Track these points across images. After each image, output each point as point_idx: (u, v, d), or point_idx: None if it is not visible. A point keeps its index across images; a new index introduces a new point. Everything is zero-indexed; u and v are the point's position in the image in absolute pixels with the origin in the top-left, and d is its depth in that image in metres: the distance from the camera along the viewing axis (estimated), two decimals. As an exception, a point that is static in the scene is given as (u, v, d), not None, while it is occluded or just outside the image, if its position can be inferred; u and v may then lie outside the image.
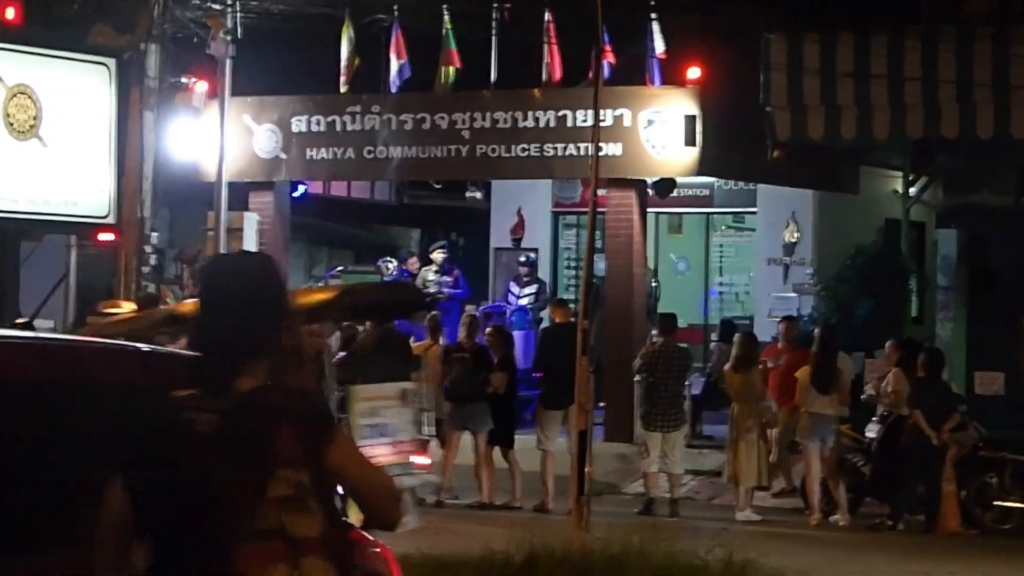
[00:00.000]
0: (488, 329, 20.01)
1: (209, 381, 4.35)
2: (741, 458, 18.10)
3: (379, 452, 16.92)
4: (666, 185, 22.57)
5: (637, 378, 19.08)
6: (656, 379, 18.45)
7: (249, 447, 4.27)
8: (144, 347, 5.77)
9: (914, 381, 17.58)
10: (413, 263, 26.54)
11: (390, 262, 25.90)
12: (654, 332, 19.54)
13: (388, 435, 15.49)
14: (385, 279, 24.94)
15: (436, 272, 25.25)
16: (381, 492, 4.50)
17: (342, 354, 18.10)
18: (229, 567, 4.20)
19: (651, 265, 25.41)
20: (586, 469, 15.23)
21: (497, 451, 18.89)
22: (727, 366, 18.70)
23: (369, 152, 23.53)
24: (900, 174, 26.04)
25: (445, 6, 22.78)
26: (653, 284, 24.99)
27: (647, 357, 18.62)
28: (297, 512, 4.30)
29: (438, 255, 25.63)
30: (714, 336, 24.54)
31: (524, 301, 25.44)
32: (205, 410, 4.32)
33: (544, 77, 22.77)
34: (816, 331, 19.05)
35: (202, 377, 4.38)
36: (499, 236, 27.97)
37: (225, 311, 4.36)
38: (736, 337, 19.38)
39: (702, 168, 22.23)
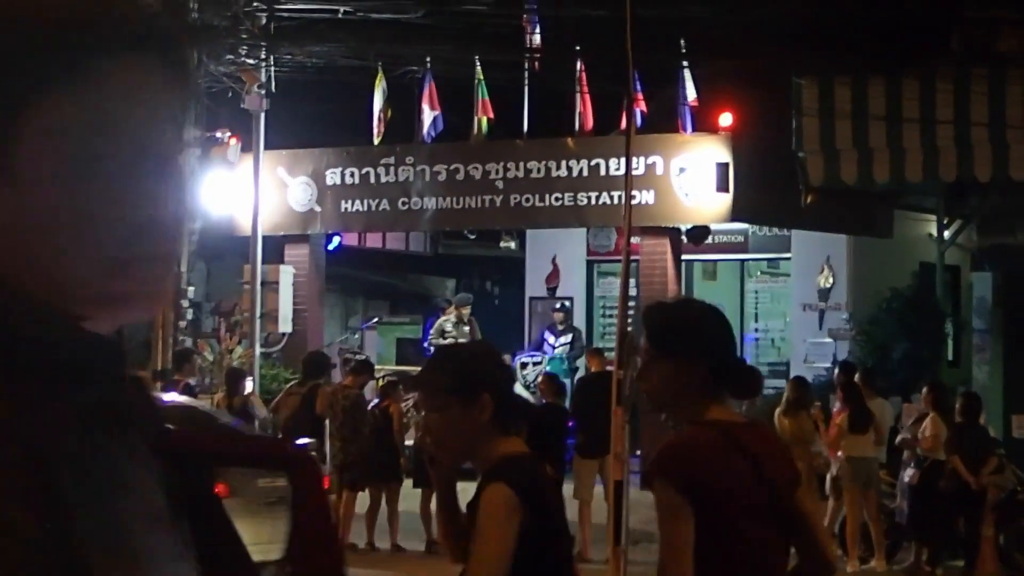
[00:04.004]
0: (540, 378, 20.12)
1: None
2: None
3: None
4: (700, 232, 22.57)
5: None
6: (683, 427, 18.39)
7: None
8: None
9: (952, 425, 17.50)
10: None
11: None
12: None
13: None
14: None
15: (454, 323, 24.96)
16: None
17: (376, 401, 18.17)
18: None
19: None
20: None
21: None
22: (778, 410, 18.52)
23: (403, 203, 23.60)
24: (934, 217, 25.98)
25: (477, 57, 22.90)
26: None
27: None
28: None
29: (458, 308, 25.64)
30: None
31: (560, 351, 25.39)
32: None
33: (577, 126, 22.84)
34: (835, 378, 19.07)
35: None
36: (534, 285, 27.99)
37: None
38: (789, 381, 19.41)
39: (735, 214, 22.24)
